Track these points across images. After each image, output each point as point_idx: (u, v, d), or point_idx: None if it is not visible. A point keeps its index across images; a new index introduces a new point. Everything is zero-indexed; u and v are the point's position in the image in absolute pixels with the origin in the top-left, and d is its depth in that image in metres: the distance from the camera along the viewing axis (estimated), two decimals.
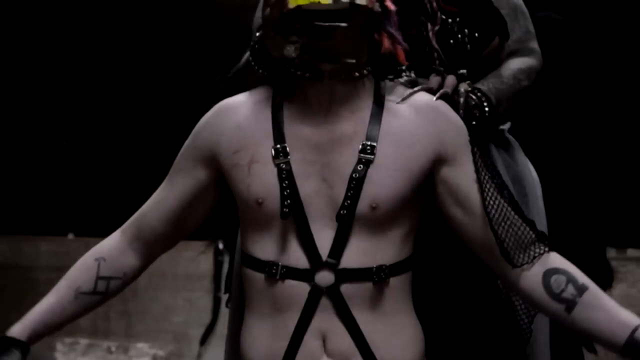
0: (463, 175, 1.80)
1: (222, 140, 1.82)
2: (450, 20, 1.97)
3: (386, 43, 1.81)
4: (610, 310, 1.73)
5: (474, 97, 1.99)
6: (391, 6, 1.80)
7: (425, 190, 1.83)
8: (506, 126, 2.24)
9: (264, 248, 1.78)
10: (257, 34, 1.93)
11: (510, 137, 2.23)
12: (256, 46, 1.92)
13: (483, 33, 2.02)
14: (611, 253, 3.09)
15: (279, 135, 1.78)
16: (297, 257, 1.75)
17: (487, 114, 2.00)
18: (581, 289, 1.73)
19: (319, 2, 1.72)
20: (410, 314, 1.82)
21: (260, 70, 1.92)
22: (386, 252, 1.77)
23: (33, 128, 6.82)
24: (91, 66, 7.18)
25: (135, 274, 1.93)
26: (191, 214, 1.89)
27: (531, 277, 1.76)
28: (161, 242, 1.93)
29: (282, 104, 1.81)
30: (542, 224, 2.13)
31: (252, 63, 1.95)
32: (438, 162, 1.79)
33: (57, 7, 6.65)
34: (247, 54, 2.13)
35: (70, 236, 5.90)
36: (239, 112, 1.85)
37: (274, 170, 1.77)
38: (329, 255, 1.74)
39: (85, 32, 6.99)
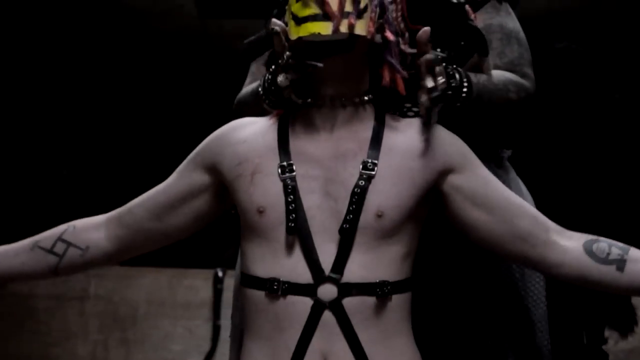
0: (476, 179, 1.86)
1: (226, 152, 1.89)
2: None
3: (387, 74, 1.86)
4: None
5: (457, 78, 2.00)
6: (391, 37, 1.85)
7: (426, 207, 1.87)
8: (506, 154, 2.24)
9: (265, 265, 1.80)
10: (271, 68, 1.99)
11: (507, 164, 2.24)
12: (269, 77, 1.99)
13: (459, 52, 2.04)
14: None
15: (284, 152, 1.82)
16: (299, 272, 1.77)
17: (459, 99, 2.00)
18: (625, 248, 1.80)
19: (319, 34, 1.76)
20: (410, 339, 1.84)
21: (267, 101, 1.98)
22: (388, 268, 1.80)
23: (33, 156, 6.83)
24: (91, 96, 7.20)
25: (99, 255, 1.95)
26: (175, 215, 1.93)
27: (573, 252, 1.80)
28: (137, 234, 1.95)
29: (287, 124, 1.86)
30: None
31: (261, 93, 2.01)
32: (445, 173, 1.84)
33: (56, 37, 6.68)
34: (249, 87, 2.17)
35: None
36: (247, 129, 1.92)
37: (276, 182, 1.81)
38: (332, 270, 1.76)
39: (85, 62, 7.01)
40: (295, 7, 1.82)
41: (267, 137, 1.89)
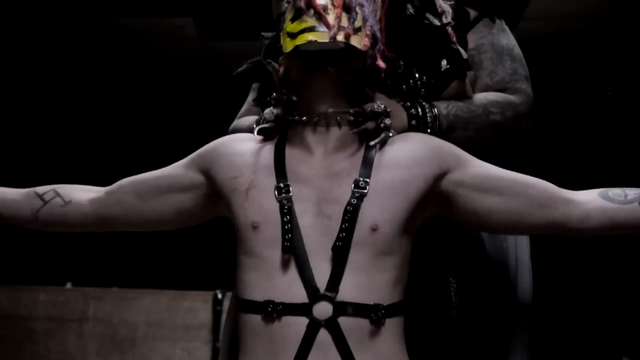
0: (474, 168, 1.89)
1: (222, 161, 1.92)
2: (401, 62, 2.01)
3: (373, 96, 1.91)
4: None
5: (419, 110, 2.03)
6: (381, 64, 1.88)
7: (418, 222, 1.89)
8: None
9: (260, 287, 1.81)
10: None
11: None
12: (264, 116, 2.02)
13: (440, 77, 2.05)
14: None
15: (280, 173, 1.86)
16: (293, 291, 1.78)
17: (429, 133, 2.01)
18: (636, 189, 1.84)
19: (316, 41, 1.78)
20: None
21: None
22: (381, 291, 1.80)
23: (31, 177, 6.81)
24: (92, 117, 7.20)
25: (77, 212, 2.00)
26: (157, 200, 1.97)
27: (593, 202, 1.83)
28: (116, 204, 1.99)
29: (284, 143, 1.86)
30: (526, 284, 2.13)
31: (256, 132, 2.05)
32: (442, 176, 1.87)
33: (56, 58, 6.69)
34: (245, 119, 2.18)
35: (69, 285, 5.87)
36: (246, 143, 1.96)
37: (271, 199, 1.84)
38: (327, 288, 1.76)
39: (85, 83, 7.02)
40: (291, 27, 1.86)
41: (263, 153, 1.91)
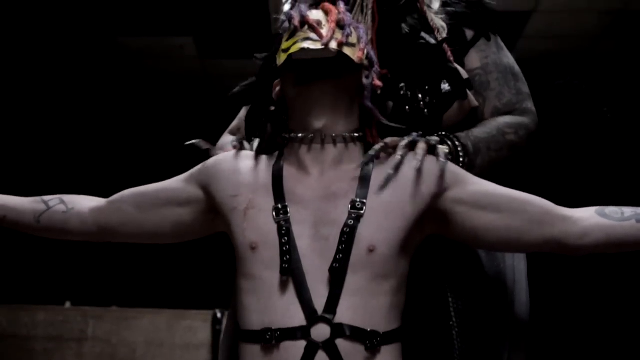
0: (473, 186, 1.88)
1: (220, 177, 1.92)
2: (403, 84, 2.00)
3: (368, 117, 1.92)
4: None
5: (449, 143, 2.03)
6: (378, 83, 1.88)
7: (416, 242, 1.88)
8: None
9: (259, 311, 1.80)
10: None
11: None
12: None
13: (441, 98, 2.05)
14: None
15: (278, 194, 1.86)
16: (291, 314, 1.76)
17: (462, 161, 2.01)
18: (633, 208, 1.83)
19: (309, 49, 1.81)
20: None
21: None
22: (378, 316, 1.78)
23: (30, 193, 6.81)
24: (90, 134, 7.21)
25: (77, 219, 2.01)
26: (156, 212, 1.98)
27: (591, 219, 1.82)
28: (115, 213, 2.00)
29: (281, 164, 1.88)
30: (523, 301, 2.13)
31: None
32: (440, 194, 1.86)
33: (56, 78, 6.70)
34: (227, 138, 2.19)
35: (68, 305, 5.86)
36: (245, 161, 1.96)
37: (269, 220, 1.83)
38: (325, 310, 1.75)
39: (84, 103, 7.03)
40: (286, 44, 1.88)
41: (262, 172, 1.91)
